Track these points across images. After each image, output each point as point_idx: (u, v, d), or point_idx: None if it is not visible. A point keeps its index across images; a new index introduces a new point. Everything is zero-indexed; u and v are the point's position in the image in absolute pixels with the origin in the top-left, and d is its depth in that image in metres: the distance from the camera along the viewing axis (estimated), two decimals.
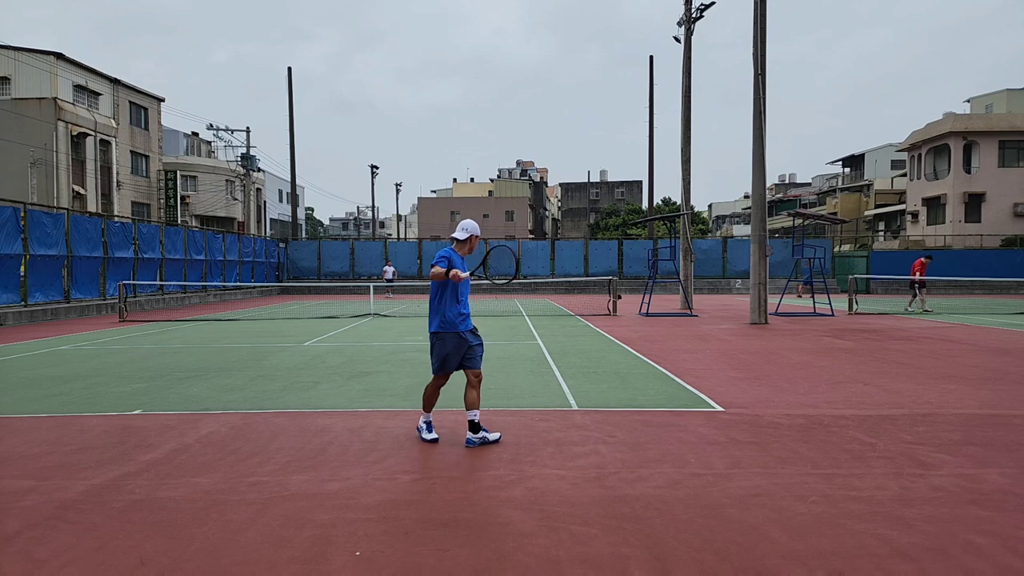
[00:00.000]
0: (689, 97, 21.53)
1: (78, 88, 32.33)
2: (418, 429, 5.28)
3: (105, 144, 32.77)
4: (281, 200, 59.21)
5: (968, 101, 46.86)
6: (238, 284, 30.57)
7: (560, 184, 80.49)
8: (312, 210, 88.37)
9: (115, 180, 33.42)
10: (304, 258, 38.09)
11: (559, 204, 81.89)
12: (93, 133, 31.39)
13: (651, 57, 47.93)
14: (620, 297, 22.24)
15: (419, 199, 71.47)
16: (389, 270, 30.46)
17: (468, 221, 5.23)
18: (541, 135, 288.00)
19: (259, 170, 43.93)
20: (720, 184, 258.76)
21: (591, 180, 77.41)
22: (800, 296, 20.95)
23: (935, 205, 41.49)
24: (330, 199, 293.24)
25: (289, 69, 39.16)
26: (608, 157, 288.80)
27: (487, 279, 6.34)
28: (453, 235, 5.20)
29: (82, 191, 30.77)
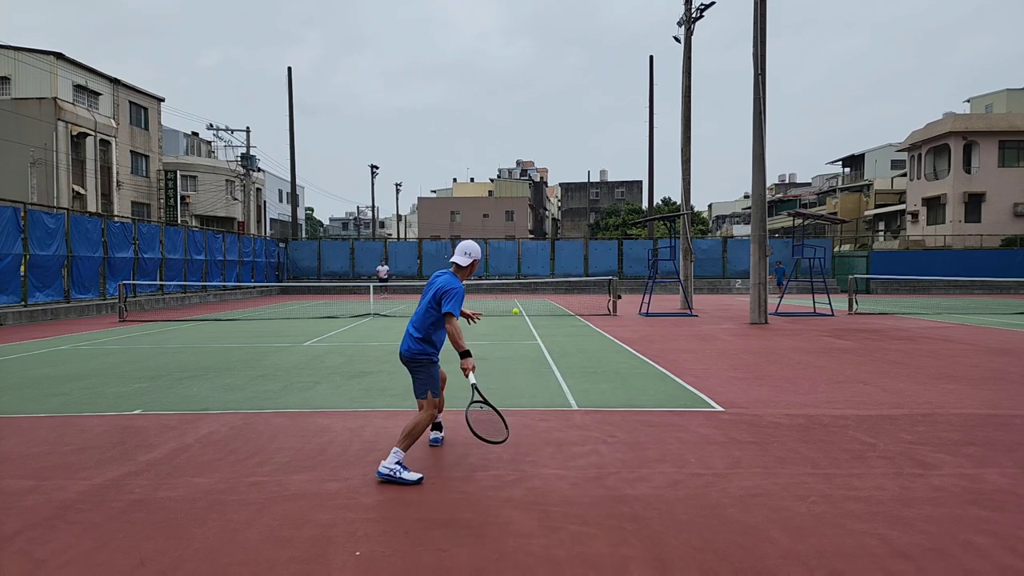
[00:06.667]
0: (689, 97, 21.53)
1: (78, 88, 32.33)
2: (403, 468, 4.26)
3: (105, 144, 32.77)
4: (281, 200, 59.20)
5: (968, 101, 46.88)
6: (238, 284, 30.56)
7: (560, 184, 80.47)
8: (312, 210, 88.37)
9: (115, 180, 33.41)
10: (304, 258, 38.10)
11: (559, 204, 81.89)
12: (93, 133, 31.39)
13: (651, 57, 47.91)
14: (620, 297, 22.25)
15: (419, 199, 71.46)
16: (383, 269, 30.37)
17: (471, 244, 4.68)
18: (538, 135, 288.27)
19: (259, 170, 43.93)
20: (720, 184, 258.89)
21: (591, 180, 77.42)
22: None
23: (935, 205, 41.49)
24: (330, 199, 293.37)
25: (289, 69, 39.21)
26: (607, 157, 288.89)
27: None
28: (454, 259, 4.62)
29: (82, 191, 30.77)
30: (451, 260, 4.67)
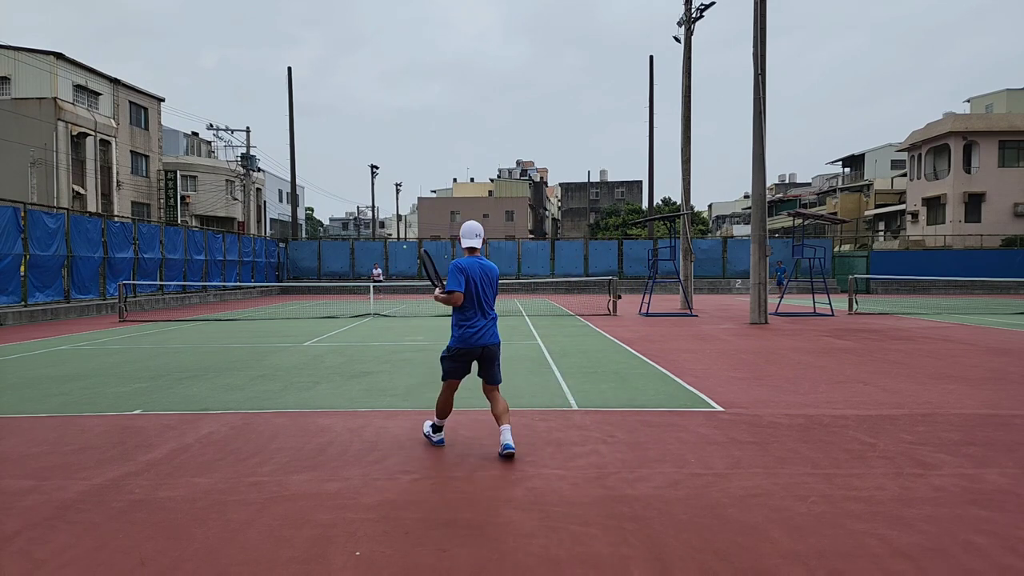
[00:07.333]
0: (689, 97, 21.53)
1: (78, 88, 32.33)
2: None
3: (105, 144, 32.77)
4: (281, 200, 59.19)
5: (968, 101, 46.90)
6: (238, 284, 30.57)
7: (560, 184, 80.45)
8: (312, 210, 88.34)
9: (115, 180, 33.41)
10: (304, 258, 38.11)
11: (559, 204, 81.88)
12: (93, 133, 31.39)
13: (651, 57, 47.93)
14: (620, 297, 22.25)
15: (419, 199, 71.46)
16: (376, 272, 30.56)
17: (477, 225, 4.91)
18: (538, 135, 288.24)
19: (259, 170, 43.93)
20: (720, 184, 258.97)
21: (591, 180, 77.42)
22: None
23: (935, 205, 41.49)
24: (330, 199, 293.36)
25: (289, 69, 39.22)
26: (607, 157, 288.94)
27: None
28: (471, 244, 4.83)
29: (82, 191, 30.76)
30: (468, 246, 4.84)
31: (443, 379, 4.90)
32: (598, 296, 29.32)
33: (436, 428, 5.05)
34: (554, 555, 3.15)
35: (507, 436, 4.69)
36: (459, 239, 4.91)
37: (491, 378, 4.86)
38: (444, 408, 4.94)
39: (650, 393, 7.12)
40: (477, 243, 4.85)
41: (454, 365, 4.81)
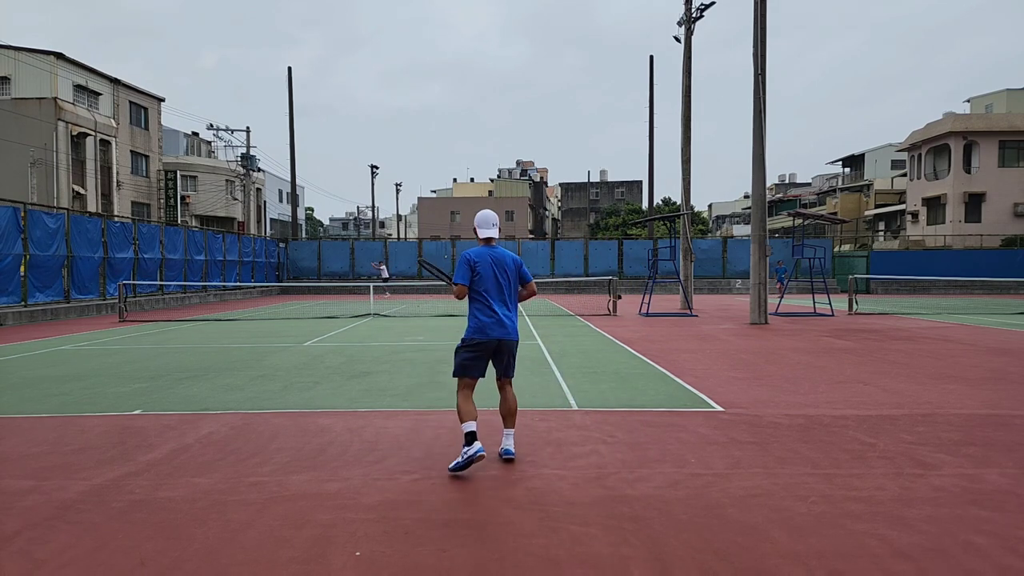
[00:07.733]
0: (689, 97, 21.53)
1: (78, 88, 32.33)
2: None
3: (105, 144, 32.77)
4: (281, 200, 59.20)
5: (968, 101, 46.92)
6: (238, 284, 30.57)
7: (560, 184, 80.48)
8: (312, 210, 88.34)
9: (115, 180, 33.41)
10: (304, 258, 38.12)
11: (559, 204, 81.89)
12: (93, 133, 31.39)
13: (651, 57, 47.94)
14: (620, 297, 22.25)
15: (419, 199, 71.49)
16: (383, 269, 30.63)
17: (492, 214, 4.76)
18: (537, 135, 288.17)
19: (259, 170, 43.95)
20: (720, 184, 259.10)
21: (591, 180, 77.42)
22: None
23: (935, 205, 41.50)
24: (330, 199, 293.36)
25: (289, 69, 39.23)
26: (607, 157, 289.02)
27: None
28: (489, 234, 4.67)
29: (82, 191, 30.77)
30: (486, 236, 4.68)
31: (455, 375, 4.56)
32: (598, 296, 29.31)
33: (469, 438, 4.35)
34: (554, 555, 3.15)
35: (509, 442, 4.65)
36: (475, 229, 4.72)
37: (504, 370, 4.68)
38: (466, 413, 4.43)
39: (650, 393, 7.12)
40: (494, 232, 4.68)
41: (468, 356, 4.51)
